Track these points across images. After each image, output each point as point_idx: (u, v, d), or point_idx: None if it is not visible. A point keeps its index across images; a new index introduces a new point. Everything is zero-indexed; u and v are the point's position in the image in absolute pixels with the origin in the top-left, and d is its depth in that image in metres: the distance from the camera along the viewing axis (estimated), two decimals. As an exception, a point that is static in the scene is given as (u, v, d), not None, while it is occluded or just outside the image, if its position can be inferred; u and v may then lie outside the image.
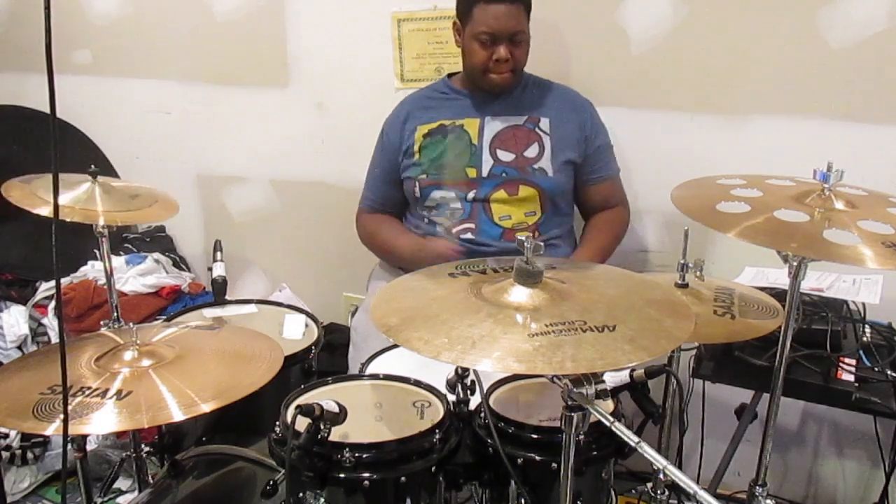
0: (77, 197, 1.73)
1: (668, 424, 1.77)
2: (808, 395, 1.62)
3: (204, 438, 1.62)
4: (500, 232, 2.01)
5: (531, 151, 2.02)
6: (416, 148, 2.05)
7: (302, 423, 1.15)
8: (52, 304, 2.52)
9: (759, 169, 1.49)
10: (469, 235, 2.02)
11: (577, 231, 2.20)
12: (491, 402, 1.35)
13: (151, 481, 1.75)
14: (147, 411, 1.20)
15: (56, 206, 0.97)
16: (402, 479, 1.22)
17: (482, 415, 1.30)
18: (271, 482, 1.26)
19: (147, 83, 2.78)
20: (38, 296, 2.58)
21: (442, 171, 2.02)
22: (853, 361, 1.64)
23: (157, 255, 2.69)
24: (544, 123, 2.04)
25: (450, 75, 2.16)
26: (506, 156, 2.01)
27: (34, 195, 1.69)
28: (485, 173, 2.01)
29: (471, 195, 2.01)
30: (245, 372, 1.33)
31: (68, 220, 1.66)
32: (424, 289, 1.23)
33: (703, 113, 2.14)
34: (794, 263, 1.25)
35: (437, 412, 1.32)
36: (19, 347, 2.53)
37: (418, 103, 2.13)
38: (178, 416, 1.20)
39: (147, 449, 1.85)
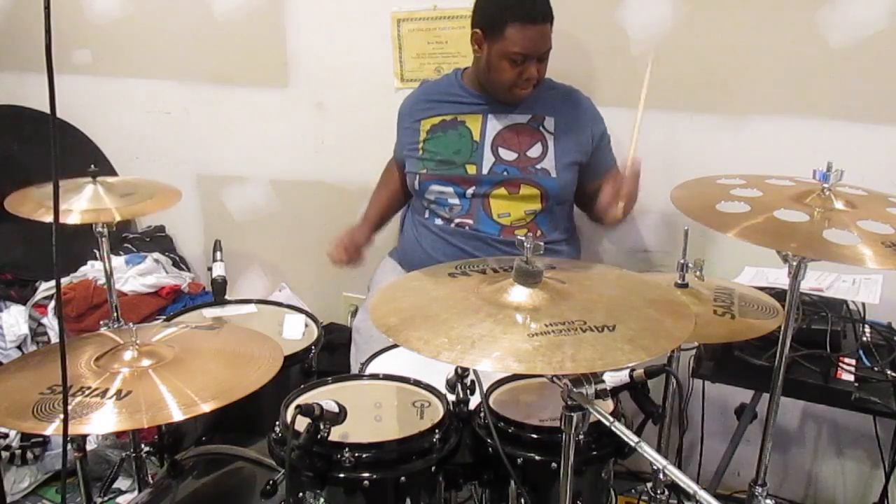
0: (78, 199, 1.73)
1: (667, 424, 1.77)
2: (807, 395, 1.62)
3: (204, 438, 1.62)
4: (498, 229, 2.01)
5: (534, 151, 2.02)
6: (419, 143, 2.06)
7: (302, 423, 1.16)
8: (52, 303, 2.52)
9: (758, 169, 1.49)
10: (466, 229, 2.03)
11: (578, 232, 2.20)
12: (491, 401, 1.35)
13: (151, 481, 1.75)
14: (147, 411, 1.20)
15: (56, 207, 0.97)
16: (402, 479, 1.22)
17: (482, 415, 1.30)
18: (271, 482, 1.26)
19: (147, 83, 2.78)
20: (38, 296, 2.58)
21: (441, 166, 2.03)
22: (853, 361, 1.64)
23: (156, 255, 2.69)
24: (549, 123, 2.03)
25: (464, 69, 2.13)
26: (508, 154, 2.01)
27: (34, 202, 1.70)
28: (485, 171, 2.01)
29: (469, 192, 2.01)
30: (245, 372, 1.33)
31: (70, 223, 1.66)
32: (424, 289, 1.23)
33: (703, 113, 2.14)
34: (794, 263, 1.25)
35: (437, 412, 1.32)
36: (19, 347, 2.53)
37: (428, 95, 2.13)
38: (177, 415, 1.20)
39: (147, 449, 1.85)
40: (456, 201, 2.03)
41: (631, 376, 1.25)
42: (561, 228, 2.09)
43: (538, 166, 2.01)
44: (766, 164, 1.85)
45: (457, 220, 2.04)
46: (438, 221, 2.07)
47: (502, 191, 2.01)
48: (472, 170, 2.01)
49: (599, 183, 2.07)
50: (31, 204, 1.71)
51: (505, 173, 2.00)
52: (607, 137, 2.13)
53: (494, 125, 2.03)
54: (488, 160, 2.01)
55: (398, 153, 2.20)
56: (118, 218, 1.72)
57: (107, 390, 1.25)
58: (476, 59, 2.02)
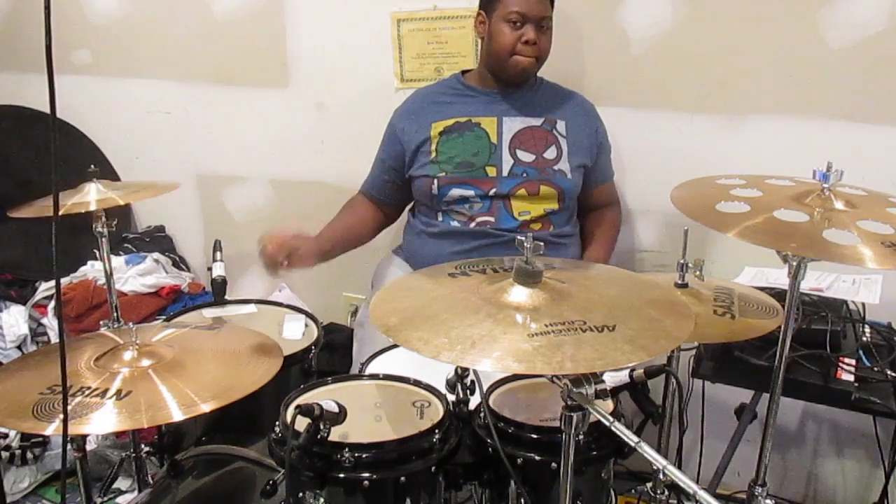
0: (78, 195, 1.74)
1: (667, 424, 1.77)
2: (807, 395, 1.62)
3: (203, 438, 1.62)
4: (517, 224, 2.02)
5: (550, 153, 2.03)
6: (432, 146, 2.04)
7: (302, 423, 1.15)
8: (52, 303, 2.52)
9: (758, 169, 1.49)
10: (486, 228, 2.02)
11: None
12: (491, 401, 1.35)
13: (151, 481, 1.75)
14: (147, 411, 1.20)
15: (56, 207, 0.97)
16: (402, 479, 1.22)
17: (482, 415, 1.30)
18: (271, 482, 1.26)
19: (147, 83, 2.78)
20: (38, 296, 2.58)
21: (462, 170, 2.01)
22: (853, 361, 1.64)
23: (156, 255, 2.69)
24: (561, 126, 2.06)
25: (463, 72, 2.15)
26: (526, 156, 2.02)
27: (36, 210, 1.71)
28: (505, 172, 2.01)
29: (491, 192, 2.01)
30: (245, 372, 1.33)
31: (72, 211, 1.66)
32: (424, 289, 1.23)
33: (703, 113, 2.14)
34: (794, 263, 1.25)
35: (437, 412, 1.32)
36: (19, 347, 2.52)
37: (430, 98, 2.12)
38: (177, 416, 1.20)
39: (147, 449, 1.85)
40: (478, 202, 2.02)
41: (631, 376, 1.25)
42: (572, 223, 2.12)
43: (555, 168, 2.03)
44: (766, 164, 1.85)
45: (478, 219, 2.03)
46: (455, 223, 2.05)
47: (523, 192, 2.01)
48: (492, 172, 2.01)
49: (600, 190, 2.15)
50: (33, 211, 1.72)
51: (524, 175, 2.01)
52: (609, 149, 2.15)
53: (510, 127, 2.03)
54: (507, 162, 2.01)
55: (374, 182, 2.18)
56: (119, 202, 1.72)
57: (107, 390, 1.25)
58: (481, 45, 2.05)
